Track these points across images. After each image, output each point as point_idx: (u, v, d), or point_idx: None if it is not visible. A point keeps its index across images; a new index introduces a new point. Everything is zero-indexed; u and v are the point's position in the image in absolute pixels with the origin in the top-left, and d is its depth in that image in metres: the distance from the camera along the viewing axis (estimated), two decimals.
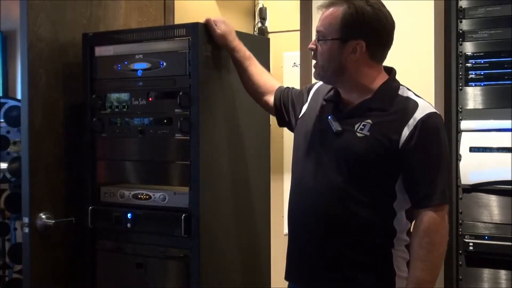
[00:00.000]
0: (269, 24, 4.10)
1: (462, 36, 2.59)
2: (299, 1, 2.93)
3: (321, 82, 2.10)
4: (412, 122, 1.81)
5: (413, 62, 2.56)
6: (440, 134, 1.85)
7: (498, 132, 2.49)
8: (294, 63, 3.94)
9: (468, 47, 2.59)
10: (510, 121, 2.47)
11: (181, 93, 2.22)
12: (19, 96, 2.88)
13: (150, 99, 2.33)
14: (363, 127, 1.85)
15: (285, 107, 2.18)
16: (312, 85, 2.14)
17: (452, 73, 2.59)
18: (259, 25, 4.08)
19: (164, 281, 2.31)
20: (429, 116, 1.83)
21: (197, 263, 2.20)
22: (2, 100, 3.06)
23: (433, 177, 1.82)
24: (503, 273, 2.50)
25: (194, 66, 2.21)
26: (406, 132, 1.81)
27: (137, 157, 2.38)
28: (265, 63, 2.59)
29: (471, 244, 2.53)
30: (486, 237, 2.51)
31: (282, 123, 2.23)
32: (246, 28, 4.03)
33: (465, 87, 2.59)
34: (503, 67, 2.52)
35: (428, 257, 1.80)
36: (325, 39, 1.88)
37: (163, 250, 2.29)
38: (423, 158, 1.82)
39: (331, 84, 1.98)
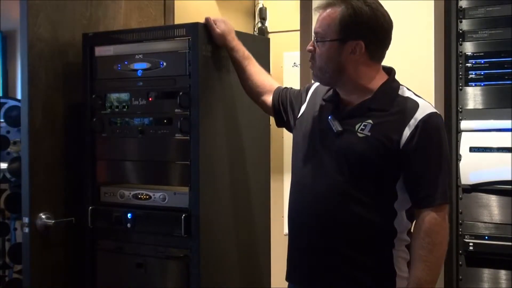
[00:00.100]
0: (269, 24, 4.10)
1: (462, 36, 2.59)
2: (299, 1, 2.93)
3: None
4: (413, 122, 1.81)
5: (413, 62, 2.56)
6: (441, 134, 1.85)
7: (498, 132, 2.49)
8: (294, 63, 3.94)
9: (468, 47, 2.59)
10: (510, 121, 2.47)
11: (181, 93, 2.22)
12: (19, 96, 2.88)
13: (150, 99, 2.33)
14: (364, 127, 1.85)
15: (283, 107, 2.18)
16: (310, 85, 2.14)
17: (452, 73, 2.59)
18: (259, 25, 4.07)
19: (164, 281, 2.31)
20: (430, 116, 1.83)
21: (197, 263, 2.20)
22: (2, 100, 3.06)
23: (434, 177, 1.82)
24: (503, 273, 2.50)
25: (194, 66, 2.21)
26: (407, 132, 1.81)
27: (137, 157, 2.38)
28: (265, 63, 2.59)
29: (471, 244, 2.53)
30: (486, 237, 2.51)
31: (280, 123, 2.23)
32: (246, 28, 4.02)
33: (465, 87, 2.59)
34: (503, 67, 2.52)
35: (429, 257, 1.80)
36: (323, 40, 1.87)
37: (163, 250, 2.29)
38: (424, 158, 1.82)
39: (330, 86, 1.97)
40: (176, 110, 2.25)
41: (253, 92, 2.29)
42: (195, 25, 2.23)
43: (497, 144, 2.47)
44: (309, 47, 1.92)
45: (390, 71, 1.96)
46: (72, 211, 2.49)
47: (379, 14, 1.86)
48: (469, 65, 2.58)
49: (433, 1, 2.55)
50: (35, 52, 2.40)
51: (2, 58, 3.87)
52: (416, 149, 1.80)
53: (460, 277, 2.57)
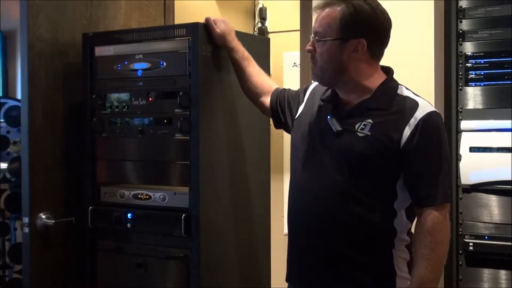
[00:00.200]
0: (269, 24, 4.10)
1: (462, 36, 2.59)
2: (299, 1, 2.93)
3: (317, 83, 2.10)
4: (413, 122, 1.82)
5: (413, 62, 2.56)
6: (441, 132, 1.86)
7: (498, 132, 2.49)
8: (294, 63, 3.94)
9: (468, 47, 2.59)
10: (510, 121, 2.47)
11: (181, 93, 2.22)
12: (19, 96, 2.88)
13: (150, 99, 2.33)
14: (363, 126, 1.86)
15: (281, 108, 2.18)
16: (308, 86, 2.14)
17: (452, 73, 2.59)
18: (259, 25, 4.07)
19: (164, 281, 2.31)
20: (429, 115, 1.83)
21: (197, 263, 2.20)
22: (2, 100, 3.06)
23: (435, 176, 1.82)
24: (503, 273, 2.50)
25: (194, 66, 2.21)
26: (407, 131, 1.81)
27: (137, 157, 2.38)
28: (265, 63, 2.59)
29: (471, 244, 2.53)
30: (486, 237, 2.51)
31: (278, 124, 2.23)
32: (246, 28, 4.02)
33: (465, 87, 2.59)
34: (503, 67, 2.52)
35: (431, 256, 1.80)
36: (324, 39, 1.87)
37: (163, 250, 2.29)
38: (425, 157, 1.82)
39: (330, 86, 1.96)
40: (176, 110, 2.25)
41: (251, 93, 2.29)
42: (195, 25, 2.23)
43: (497, 144, 2.47)
44: (309, 47, 1.91)
45: (388, 71, 1.96)
46: (72, 211, 2.49)
47: (378, 12, 1.87)
48: (469, 65, 2.58)
49: (433, 1, 2.55)
50: (35, 52, 2.40)
51: (2, 58, 3.87)
52: (416, 148, 1.81)
53: (460, 277, 2.57)
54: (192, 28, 2.23)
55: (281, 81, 4.04)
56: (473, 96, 2.57)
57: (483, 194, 2.53)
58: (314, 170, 1.91)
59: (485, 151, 2.50)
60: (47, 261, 2.45)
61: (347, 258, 1.86)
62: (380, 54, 1.93)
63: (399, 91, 1.91)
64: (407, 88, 1.94)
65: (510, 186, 2.45)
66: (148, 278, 2.32)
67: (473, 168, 2.52)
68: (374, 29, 1.87)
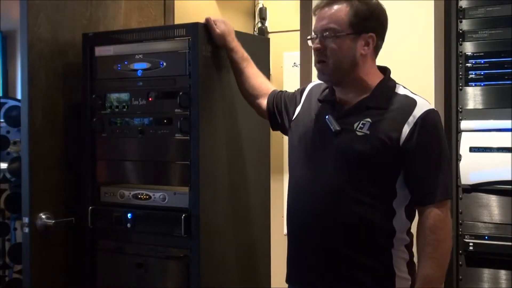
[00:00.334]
0: (269, 24, 4.10)
1: (462, 36, 2.59)
2: (299, 1, 2.93)
3: (313, 84, 2.11)
4: (412, 120, 1.82)
5: (413, 62, 2.56)
6: (440, 130, 1.87)
7: (498, 132, 2.49)
8: (294, 63, 3.94)
9: (468, 47, 2.59)
10: (510, 121, 2.47)
11: (181, 93, 2.22)
12: (19, 96, 2.88)
13: (150, 99, 2.33)
14: (362, 125, 1.86)
15: (277, 109, 2.18)
16: (305, 87, 2.14)
17: (452, 73, 2.59)
18: (259, 25, 4.07)
19: (164, 281, 2.31)
20: (428, 113, 1.84)
21: (197, 263, 2.20)
22: (2, 100, 3.06)
23: (435, 174, 1.83)
24: (503, 273, 2.50)
25: (194, 66, 2.21)
26: (406, 129, 1.82)
27: (137, 157, 2.38)
28: (265, 63, 2.59)
29: (471, 244, 2.53)
30: (486, 237, 2.51)
31: (275, 126, 2.24)
32: (246, 28, 4.02)
33: (465, 87, 2.59)
34: (503, 67, 2.52)
35: (435, 254, 1.80)
36: (339, 34, 1.86)
37: (163, 250, 2.29)
38: (424, 155, 1.83)
39: (339, 84, 1.94)
40: (176, 110, 2.25)
41: (249, 94, 2.29)
42: (195, 25, 2.23)
43: (497, 144, 2.47)
44: (317, 45, 1.89)
45: (385, 70, 1.97)
46: (72, 211, 2.49)
47: (382, 8, 1.92)
48: (469, 65, 2.58)
49: (433, 1, 2.55)
50: (35, 52, 2.40)
51: (2, 58, 3.87)
52: (416, 146, 1.81)
53: (460, 277, 2.57)
54: (192, 28, 2.23)
55: (281, 81, 4.04)
56: (473, 96, 2.58)
57: (483, 194, 2.53)
58: (313, 170, 1.91)
59: (485, 151, 2.50)
60: (47, 261, 2.45)
61: (347, 258, 1.86)
62: (379, 51, 1.95)
63: (397, 90, 1.92)
64: (404, 87, 1.95)
65: (510, 186, 2.46)
66: (148, 278, 2.32)
67: (473, 168, 2.52)
68: (380, 24, 1.91)
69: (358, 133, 1.85)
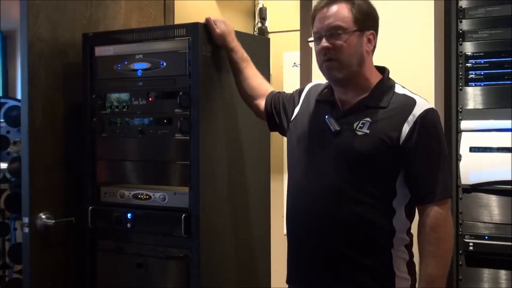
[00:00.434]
0: (269, 24, 4.10)
1: (462, 36, 2.59)
2: (299, 1, 2.93)
3: (312, 84, 2.12)
4: (411, 119, 1.83)
5: (413, 62, 2.56)
6: (439, 129, 1.88)
7: (498, 132, 2.48)
8: (294, 63, 3.94)
9: (468, 47, 2.59)
10: (510, 121, 2.47)
11: (181, 93, 2.22)
12: (19, 96, 2.88)
13: (150, 99, 2.33)
14: (362, 125, 1.86)
15: (276, 110, 2.18)
16: (303, 88, 2.15)
17: (452, 73, 2.59)
18: (259, 25, 4.07)
19: (164, 281, 2.31)
20: (427, 112, 1.85)
21: (197, 263, 2.20)
22: (2, 100, 3.06)
23: (436, 172, 1.83)
24: (503, 273, 2.50)
25: (194, 66, 2.21)
26: (406, 128, 1.82)
27: (137, 157, 2.38)
28: (265, 63, 2.59)
29: (471, 244, 2.53)
30: (486, 237, 2.51)
31: (273, 127, 2.24)
32: (246, 28, 4.02)
33: (465, 87, 2.59)
34: (503, 67, 2.52)
35: (437, 252, 1.81)
36: (348, 31, 1.86)
37: (163, 250, 2.29)
38: (424, 154, 1.83)
39: (346, 82, 1.91)
40: (176, 110, 2.25)
41: (247, 95, 2.29)
42: (195, 25, 2.23)
43: (497, 144, 2.47)
44: (326, 44, 1.88)
45: (383, 70, 1.97)
46: (72, 211, 2.49)
47: (374, 7, 1.95)
48: (469, 65, 2.58)
49: (433, 1, 2.55)
50: (35, 52, 2.40)
51: (2, 58, 3.87)
52: (416, 145, 1.82)
53: (460, 277, 2.57)
54: (192, 28, 2.23)
55: (281, 81, 4.04)
56: (473, 96, 2.57)
57: (483, 194, 2.53)
58: (313, 171, 1.92)
59: (485, 151, 2.50)
60: (47, 261, 2.45)
61: (347, 258, 1.86)
62: (375, 50, 1.97)
63: (396, 89, 1.93)
64: (403, 87, 1.96)
65: (510, 186, 2.45)
66: (148, 278, 2.32)
67: (473, 168, 2.52)
68: (377, 22, 1.94)
69: (358, 133, 1.86)
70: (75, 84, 2.50)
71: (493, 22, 2.55)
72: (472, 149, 2.52)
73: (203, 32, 2.24)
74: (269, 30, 4.09)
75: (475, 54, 2.57)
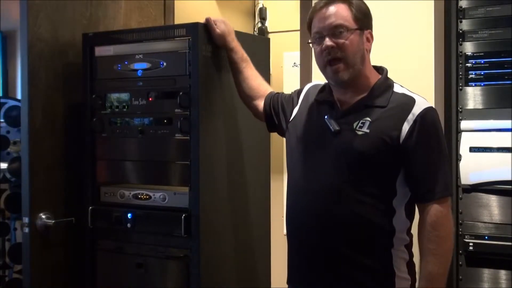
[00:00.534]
0: (269, 24, 4.10)
1: (462, 36, 2.59)
2: (299, 1, 2.93)
3: (310, 85, 2.13)
4: (411, 118, 1.83)
5: (413, 62, 2.56)
6: (438, 128, 1.88)
7: (498, 132, 2.48)
8: (294, 63, 3.94)
9: (468, 47, 2.59)
10: (510, 121, 2.47)
11: (181, 93, 2.22)
12: (19, 96, 2.88)
13: (150, 99, 2.33)
14: (362, 125, 1.87)
15: (274, 111, 2.18)
16: (302, 88, 2.15)
17: (452, 73, 2.59)
18: (259, 25, 4.08)
19: (164, 281, 2.31)
20: (427, 111, 1.85)
21: (197, 263, 2.20)
22: (2, 100, 3.06)
23: (436, 171, 1.84)
24: (503, 273, 2.50)
25: (194, 66, 2.21)
26: (406, 127, 1.83)
27: (137, 157, 2.38)
28: (265, 63, 2.59)
29: (471, 244, 2.53)
30: (486, 237, 2.51)
31: (271, 127, 2.24)
32: (246, 28, 4.02)
33: (465, 87, 2.59)
34: (503, 67, 2.52)
35: (438, 250, 1.81)
36: (351, 29, 1.87)
37: (163, 250, 2.29)
38: (424, 152, 1.83)
39: (350, 81, 1.90)
40: (176, 110, 2.25)
41: (246, 95, 2.29)
42: (195, 25, 2.23)
43: (497, 144, 2.47)
44: (329, 43, 1.87)
45: (381, 70, 1.98)
46: (72, 211, 2.49)
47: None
48: (469, 65, 2.58)
49: (433, 1, 2.55)
50: (35, 52, 2.40)
51: (2, 58, 3.87)
52: (416, 144, 1.82)
53: (460, 277, 2.57)
54: (192, 28, 2.23)
55: (281, 81, 4.04)
56: (473, 96, 2.57)
57: (483, 194, 2.52)
58: (313, 171, 1.92)
59: (485, 151, 2.50)
60: (47, 261, 2.45)
61: (347, 258, 1.86)
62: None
63: (394, 89, 1.93)
64: (401, 86, 1.96)
65: (510, 186, 2.45)
66: (148, 278, 2.32)
67: (473, 168, 2.52)
68: (372, 22, 1.95)
69: (358, 133, 1.86)
70: (75, 84, 2.50)
71: (493, 22, 2.55)
72: (472, 149, 2.52)
73: (203, 32, 2.24)
74: (269, 30, 4.09)
75: (475, 54, 2.57)
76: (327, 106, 1.96)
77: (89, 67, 2.45)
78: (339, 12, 1.87)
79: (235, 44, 2.29)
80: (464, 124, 2.56)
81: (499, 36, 2.54)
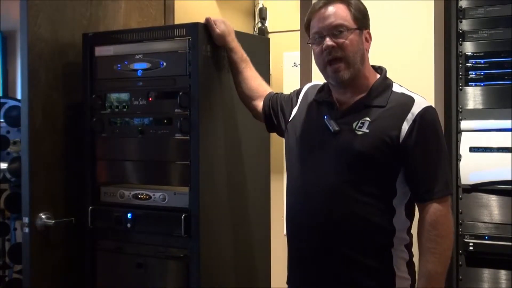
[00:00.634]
0: (269, 24, 4.10)
1: (462, 36, 2.59)
2: (299, 1, 2.93)
3: (309, 85, 2.13)
4: (410, 117, 1.83)
5: (413, 62, 2.56)
6: (438, 127, 1.88)
7: (498, 132, 2.49)
8: (294, 63, 3.94)
9: (468, 47, 2.59)
10: (510, 121, 2.47)
11: (181, 93, 2.22)
12: (19, 96, 2.87)
13: (150, 99, 2.33)
14: (361, 125, 1.87)
15: (274, 112, 2.18)
16: (301, 89, 2.15)
17: (452, 73, 2.59)
18: (259, 25, 4.08)
19: (164, 281, 2.31)
20: (426, 110, 1.85)
21: (197, 263, 2.20)
22: (2, 100, 3.06)
23: (435, 170, 1.84)
24: (503, 273, 2.50)
25: (194, 66, 2.21)
26: (405, 126, 1.83)
27: (137, 157, 2.38)
28: (265, 63, 2.59)
29: (471, 244, 2.53)
30: (486, 237, 2.51)
31: (271, 128, 2.24)
32: (246, 28, 4.03)
33: (465, 87, 2.59)
34: (503, 67, 2.52)
35: (437, 249, 1.81)
36: (349, 30, 1.87)
37: (163, 250, 2.29)
38: (424, 151, 1.83)
39: (348, 83, 1.90)
40: (176, 110, 2.25)
41: (245, 96, 2.29)
42: (195, 25, 2.23)
43: (497, 144, 2.47)
44: (330, 43, 1.87)
45: (380, 70, 1.98)
46: (72, 211, 2.49)
47: None
48: (469, 65, 2.58)
49: (433, 1, 2.55)
50: (35, 52, 2.40)
51: (2, 58, 3.87)
52: (415, 143, 1.82)
53: (460, 277, 2.57)
54: (192, 28, 2.23)
55: (281, 81, 4.04)
56: (473, 96, 2.57)
57: (483, 194, 2.53)
58: (313, 171, 1.91)
59: (485, 151, 2.50)
60: (47, 261, 2.45)
61: (347, 257, 1.86)
62: None
63: (393, 88, 1.93)
64: (400, 85, 1.96)
65: (510, 186, 2.46)
66: (148, 278, 2.32)
67: (473, 168, 2.52)
68: (369, 22, 1.95)
69: (358, 133, 1.86)
70: (75, 84, 2.50)
71: (493, 22, 2.55)
72: (472, 149, 2.52)
73: (203, 32, 2.24)
74: (269, 30, 4.09)
75: (475, 54, 2.57)
76: (326, 106, 1.96)
77: (89, 67, 2.45)
78: (338, 12, 1.88)
79: (235, 44, 2.29)
80: (464, 124, 2.56)
81: (499, 36, 2.54)
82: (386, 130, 1.84)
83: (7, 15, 3.51)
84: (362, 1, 1.96)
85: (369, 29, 1.94)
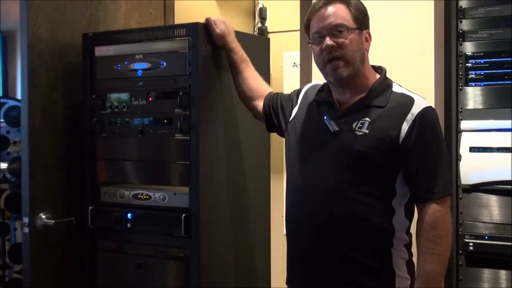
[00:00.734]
0: (269, 24, 4.10)
1: (462, 36, 2.59)
2: (299, 1, 2.93)
3: (309, 85, 2.13)
4: (410, 117, 1.83)
5: (413, 62, 2.56)
6: (438, 127, 1.88)
7: (498, 132, 2.49)
8: (294, 63, 3.94)
9: (468, 47, 2.59)
10: (510, 121, 2.47)
11: (181, 93, 2.22)
12: (19, 96, 2.87)
13: (150, 99, 2.33)
14: (361, 125, 1.87)
15: (274, 111, 2.18)
16: (301, 89, 2.15)
17: (452, 73, 2.59)
18: (259, 25, 4.08)
19: (164, 281, 2.31)
20: (426, 111, 1.85)
21: (197, 263, 2.20)
22: (2, 100, 3.06)
23: (435, 170, 1.84)
24: (503, 273, 2.50)
25: (194, 66, 2.21)
26: (405, 127, 1.83)
27: (137, 157, 2.38)
28: (265, 63, 2.59)
29: (471, 244, 2.53)
30: (486, 237, 2.51)
31: (271, 128, 2.24)
32: (246, 28, 4.03)
33: (465, 87, 2.59)
34: (503, 67, 2.52)
35: (436, 250, 1.81)
36: (349, 30, 1.87)
37: (163, 250, 2.29)
38: (424, 152, 1.84)
39: (347, 82, 1.90)
40: (176, 110, 2.25)
41: (245, 96, 2.29)
42: (195, 25, 2.23)
43: (497, 144, 2.47)
44: (330, 42, 1.87)
45: (380, 70, 1.98)
46: (72, 211, 2.49)
47: None
48: (469, 65, 2.58)
49: (433, 1, 2.55)
50: (35, 52, 2.40)
51: (2, 58, 3.87)
52: (415, 143, 1.82)
53: (460, 277, 2.57)
54: (192, 28, 2.23)
55: (281, 81, 4.04)
56: (473, 96, 2.58)
57: (483, 194, 2.53)
58: (313, 171, 1.92)
59: (485, 151, 2.50)
60: (47, 261, 2.45)
61: (347, 257, 1.86)
62: None
63: (393, 88, 1.93)
64: (400, 85, 1.96)
65: (510, 186, 2.46)
66: (148, 278, 2.32)
67: (473, 168, 2.52)
68: (369, 22, 1.95)
69: (358, 133, 1.86)
70: (75, 84, 2.50)
71: (493, 22, 2.55)
72: (472, 149, 2.52)
73: (203, 32, 2.24)
74: (269, 30, 4.09)
75: (475, 54, 2.57)
76: (326, 107, 1.96)
77: (89, 67, 2.45)
78: (338, 12, 1.88)
79: (235, 44, 2.29)
80: (464, 124, 2.56)
81: (499, 36, 2.54)
82: (386, 130, 1.84)
83: (7, 15, 3.51)
84: (362, 1, 1.96)
85: (369, 29, 1.94)
